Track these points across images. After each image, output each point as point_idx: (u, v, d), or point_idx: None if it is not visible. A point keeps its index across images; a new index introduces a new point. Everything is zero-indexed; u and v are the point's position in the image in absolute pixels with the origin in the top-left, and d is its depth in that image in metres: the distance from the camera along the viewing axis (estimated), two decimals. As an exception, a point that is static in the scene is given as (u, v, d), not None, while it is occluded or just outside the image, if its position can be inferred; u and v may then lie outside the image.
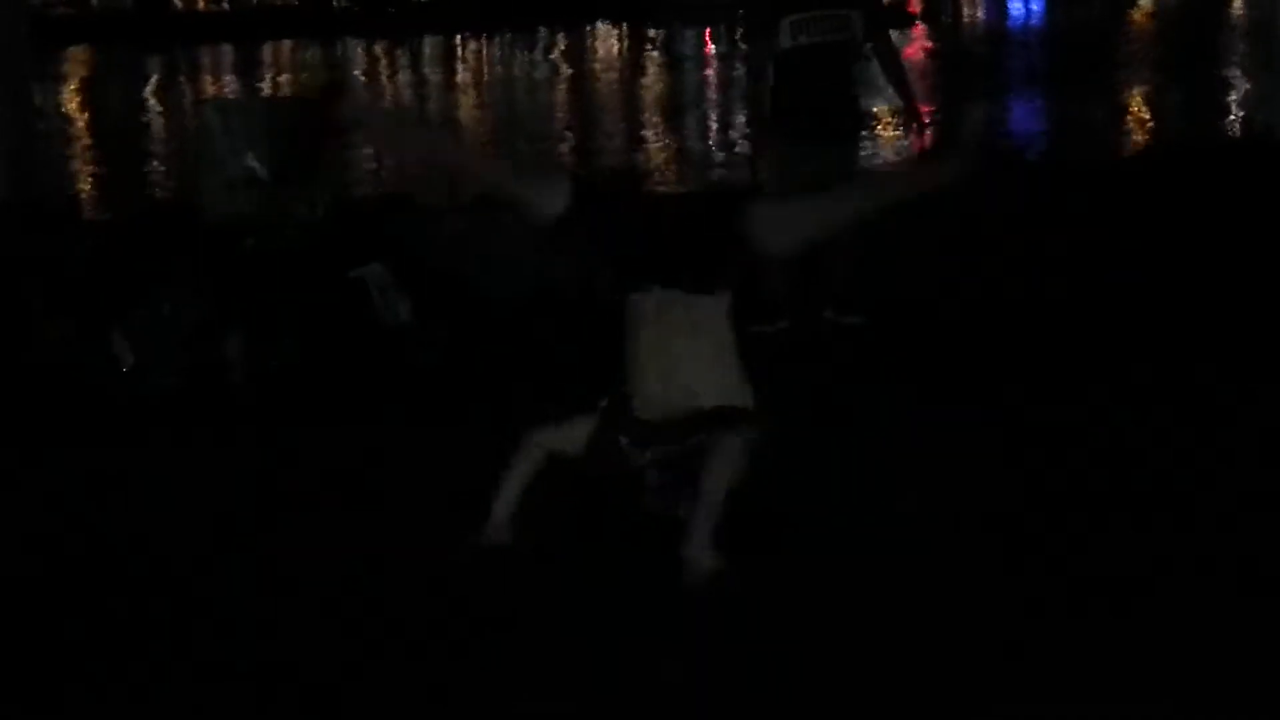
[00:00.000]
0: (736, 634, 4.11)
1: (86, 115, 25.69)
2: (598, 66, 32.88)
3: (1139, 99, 21.14)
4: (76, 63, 37.20)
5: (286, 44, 41.35)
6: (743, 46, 7.99)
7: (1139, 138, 17.12)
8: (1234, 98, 20.63)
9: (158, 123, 24.61)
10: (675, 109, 22.82)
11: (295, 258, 7.69)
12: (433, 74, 32.56)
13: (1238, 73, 23.69)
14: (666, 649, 4.04)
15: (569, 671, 3.98)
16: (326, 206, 8.29)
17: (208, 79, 33.64)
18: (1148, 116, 19.17)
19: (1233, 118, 18.08)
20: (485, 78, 32.02)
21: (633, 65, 31.88)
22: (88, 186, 17.06)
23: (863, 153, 7.37)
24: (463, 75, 32.56)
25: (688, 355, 4.56)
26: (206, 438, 6.12)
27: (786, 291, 7.30)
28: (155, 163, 19.69)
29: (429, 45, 39.16)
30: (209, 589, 4.59)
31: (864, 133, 7.40)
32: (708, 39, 37.29)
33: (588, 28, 42.24)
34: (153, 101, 28.33)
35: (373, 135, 5.00)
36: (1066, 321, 7.14)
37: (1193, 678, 3.76)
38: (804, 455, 5.24)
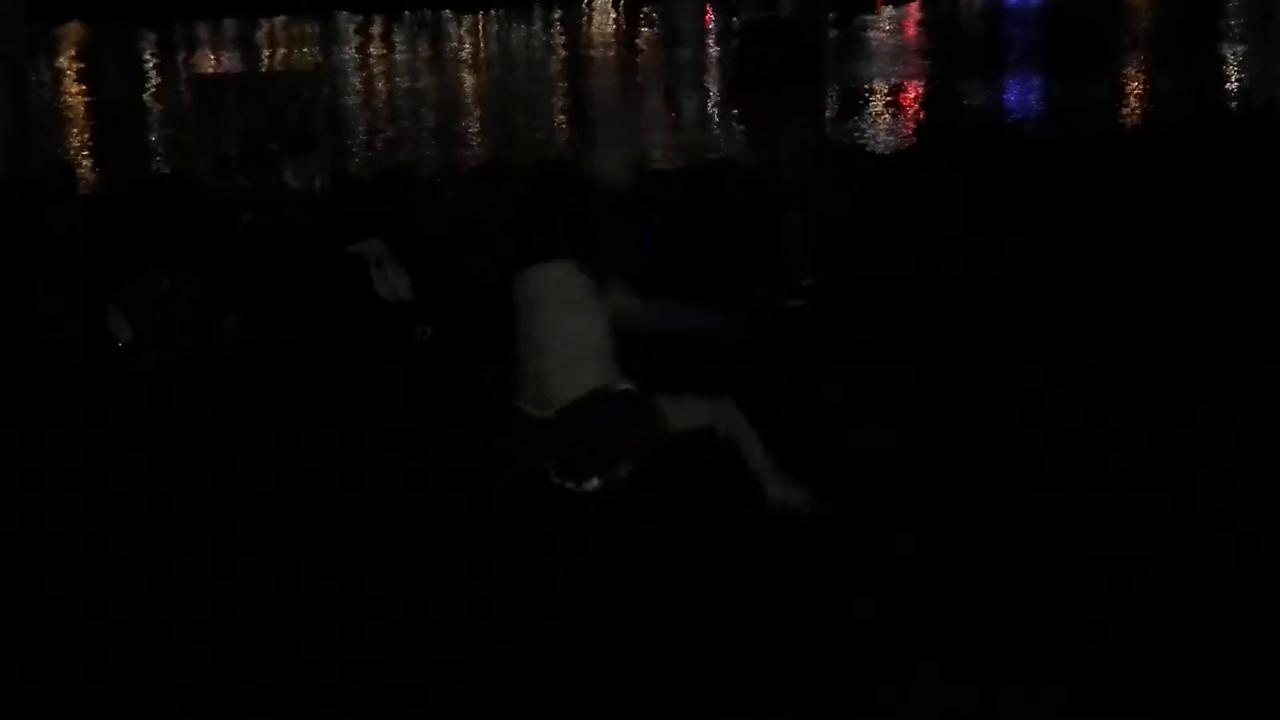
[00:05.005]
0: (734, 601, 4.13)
1: (84, 91, 25.59)
2: (592, 43, 32.77)
3: (1138, 76, 21.08)
4: (73, 38, 37.04)
5: (282, 19, 41.22)
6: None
7: (1138, 114, 17.07)
8: (1233, 74, 20.57)
9: (155, 98, 24.52)
10: (662, 89, 22.76)
11: (293, 233, 7.69)
12: (427, 50, 32.45)
13: (1237, 49, 23.61)
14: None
15: (573, 661, 4.00)
16: (324, 182, 8.29)
17: (204, 54, 33.50)
18: (1146, 93, 19.12)
19: (1232, 94, 18.02)
20: (479, 54, 31.90)
21: (628, 43, 31.76)
22: (85, 162, 17.00)
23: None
24: (457, 51, 32.45)
25: (566, 335, 4.62)
26: (204, 412, 6.13)
27: (810, 257, 7.37)
28: (153, 138, 19.62)
29: (424, 21, 39.02)
30: (207, 563, 4.61)
31: (808, 111, 7.41)
32: (709, 14, 37.16)
33: (584, 3, 42.11)
34: (150, 77, 28.21)
35: None
36: (1065, 298, 7.13)
37: (1187, 658, 3.78)
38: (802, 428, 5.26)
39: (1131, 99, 18.58)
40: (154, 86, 26.33)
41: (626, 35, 33.30)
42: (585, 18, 39.60)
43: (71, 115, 21.95)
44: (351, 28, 38.24)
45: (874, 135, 16.24)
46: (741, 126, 7.92)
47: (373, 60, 30.33)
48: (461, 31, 37.10)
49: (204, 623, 4.21)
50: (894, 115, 18.29)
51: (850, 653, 3.86)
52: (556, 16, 39.06)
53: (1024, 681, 3.67)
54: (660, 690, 3.76)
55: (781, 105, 7.31)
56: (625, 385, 4.62)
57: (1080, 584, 4.16)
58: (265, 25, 39.78)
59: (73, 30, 38.05)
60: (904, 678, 3.73)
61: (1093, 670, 3.73)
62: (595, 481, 4.64)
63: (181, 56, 32.88)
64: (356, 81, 25.85)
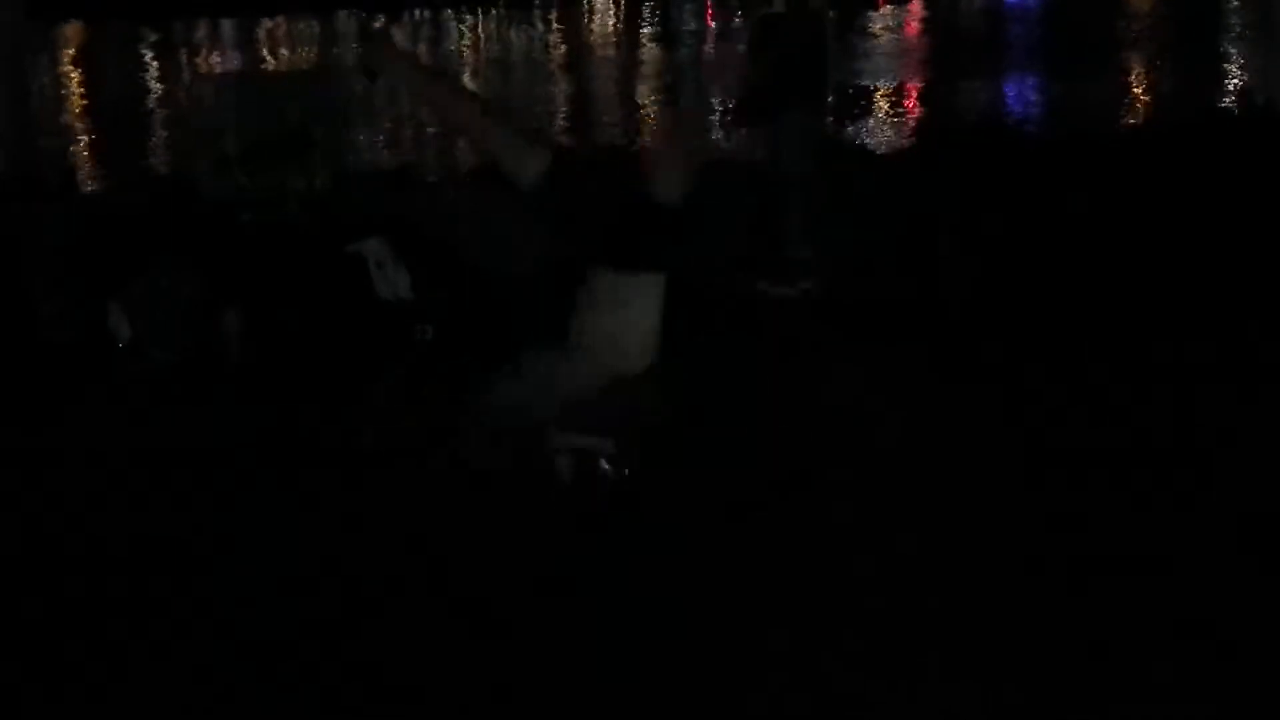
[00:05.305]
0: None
1: (83, 90, 25.61)
2: (593, 42, 32.77)
3: (1138, 75, 21.08)
4: (72, 37, 37.08)
5: (283, 18, 41.28)
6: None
7: (1138, 113, 17.08)
8: (1234, 72, 20.58)
9: (154, 97, 24.54)
10: (663, 87, 22.76)
11: (293, 232, 7.67)
12: (427, 50, 32.47)
13: (1237, 48, 23.63)
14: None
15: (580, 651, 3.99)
16: (324, 181, 8.28)
17: (204, 53, 33.52)
18: (1147, 92, 19.12)
19: (1233, 92, 18.03)
20: (480, 52, 31.91)
21: (628, 43, 31.77)
22: (85, 161, 17.01)
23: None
24: (456, 50, 32.46)
25: (619, 333, 4.66)
26: (204, 411, 6.12)
27: (810, 253, 7.42)
28: (152, 138, 19.62)
29: (424, 20, 39.11)
30: (207, 562, 4.61)
31: (810, 107, 7.54)
32: (709, 11, 37.21)
33: (585, 2, 42.14)
34: (149, 76, 28.24)
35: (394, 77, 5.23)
36: (1067, 296, 7.13)
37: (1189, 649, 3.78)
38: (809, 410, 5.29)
39: (1132, 97, 18.58)
40: (153, 86, 26.32)
41: (626, 34, 33.28)
42: (585, 17, 39.58)
43: (71, 115, 21.95)
44: (352, 27, 38.24)
45: (875, 131, 16.25)
46: (745, 124, 8.05)
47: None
48: (461, 30, 37.09)
49: (203, 622, 4.21)
50: (894, 111, 18.29)
51: (849, 652, 3.86)
52: (554, 16, 39.05)
53: (1024, 681, 3.67)
54: (659, 689, 3.75)
55: (783, 101, 7.37)
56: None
57: (1080, 584, 4.16)
58: (265, 24, 39.78)
59: (72, 29, 38.06)
60: (903, 677, 3.73)
61: (1093, 670, 3.73)
62: (615, 463, 4.65)
63: (181, 56, 32.88)
64: (356, 80, 25.81)
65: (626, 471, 4.69)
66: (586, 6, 41.59)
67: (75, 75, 28.41)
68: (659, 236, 4.80)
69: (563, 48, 31.44)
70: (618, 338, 4.69)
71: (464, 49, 32.80)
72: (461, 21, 39.02)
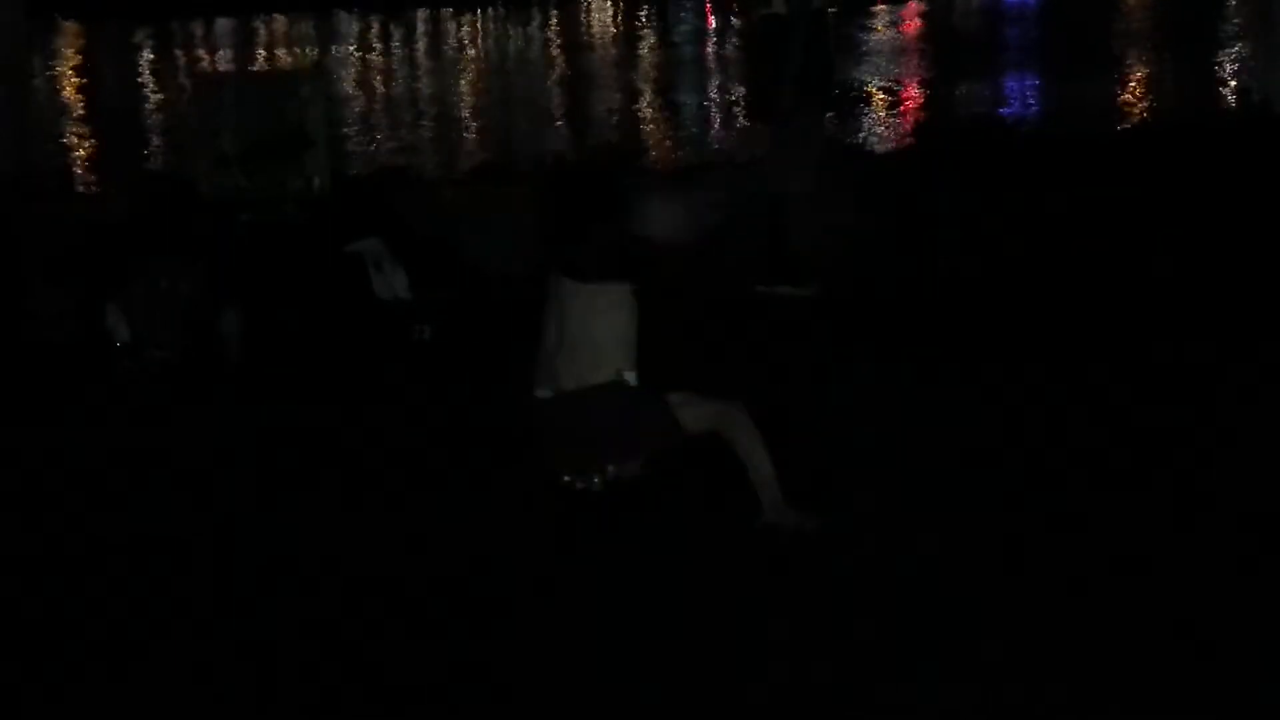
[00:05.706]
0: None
1: (82, 90, 25.59)
2: (591, 43, 32.76)
3: (1137, 75, 21.09)
4: (71, 36, 37.05)
5: (281, 17, 41.23)
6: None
7: (1137, 112, 17.07)
8: (1232, 72, 20.58)
9: (153, 97, 24.52)
10: (660, 90, 22.74)
11: (292, 232, 7.68)
12: (425, 49, 32.47)
13: (1235, 47, 23.64)
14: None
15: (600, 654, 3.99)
16: (323, 181, 8.28)
17: (202, 53, 33.50)
18: (1145, 91, 19.12)
19: (1231, 92, 18.04)
20: (478, 53, 31.90)
21: (626, 43, 31.76)
22: (84, 161, 17.01)
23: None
24: (455, 50, 32.46)
25: (584, 338, 4.63)
26: (203, 411, 6.12)
27: (812, 255, 7.43)
28: (151, 137, 19.61)
29: (421, 20, 39.04)
30: (207, 563, 4.61)
31: (813, 107, 7.54)
32: (709, 12, 37.19)
33: (583, 1, 42.09)
34: (148, 76, 28.23)
35: None
36: (1066, 296, 7.13)
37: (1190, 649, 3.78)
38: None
39: (1130, 97, 18.58)
40: (152, 85, 26.31)
41: (625, 35, 33.29)
42: (583, 18, 39.56)
43: (71, 115, 21.94)
44: (352, 26, 38.21)
45: (875, 131, 16.25)
46: (747, 125, 8.08)
47: (371, 59, 30.32)
48: (461, 30, 37.09)
49: (204, 622, 4.20)
50: (895, 110, 18.30)
51: (852, 652, 3.85)
52: (553, 18, 39.02)
53: (1024, 681, 3.66)
54: (659, 689, 3.75)
55: (786, 102, 7.37)
56: (638, 381, 4.61)
57: (1080, 584, 4.16)
58: (263, 24, 39.77)
59: (72, 29, 38.03)
60: (905, 678, 3.73)
61: (1093, 670, 3.72)
62: (599, 478, 4.63)
63: (179, 55, 32.86)
64: (355, 80, 25.85)
65: (601, 482, 4.66)
66: (585, 6, 41.53)
67: (75, 75, 28.39)
68: (623, 247, 4.74)
69: (560, 49, 31.43)
70: (591, 342, 4.64)
71: (463, 48, 32.79)
72: (460, 21, 38.98)
